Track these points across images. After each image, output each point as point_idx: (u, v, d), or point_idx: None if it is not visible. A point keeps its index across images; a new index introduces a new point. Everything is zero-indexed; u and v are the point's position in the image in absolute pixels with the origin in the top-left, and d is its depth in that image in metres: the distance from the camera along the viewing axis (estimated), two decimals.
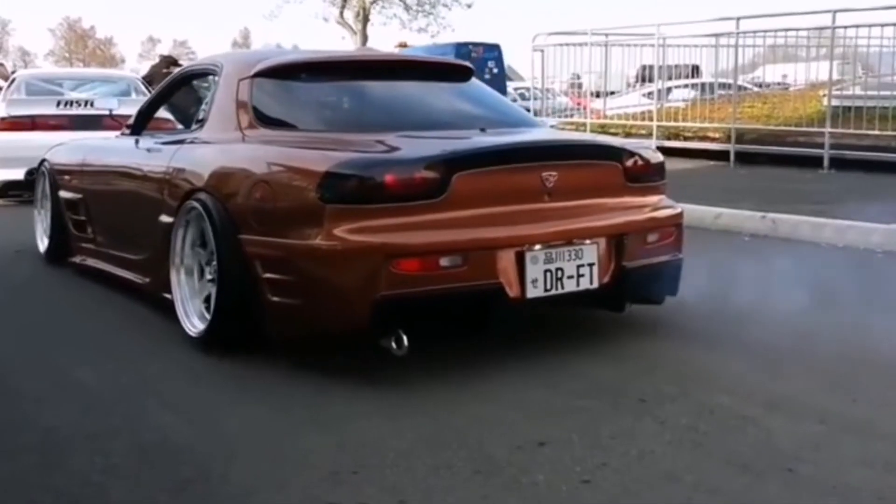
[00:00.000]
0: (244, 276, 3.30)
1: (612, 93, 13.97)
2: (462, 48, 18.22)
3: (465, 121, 3.78)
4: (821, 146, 9.07)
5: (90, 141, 5.25)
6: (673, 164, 10.11)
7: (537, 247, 3.19)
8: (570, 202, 3.34)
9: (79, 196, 4.92)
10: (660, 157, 3.70)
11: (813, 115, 9.89)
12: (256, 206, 3.27)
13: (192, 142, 3.88)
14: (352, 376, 3.13)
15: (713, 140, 10.52)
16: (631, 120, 11.95)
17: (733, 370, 3.22)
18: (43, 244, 5.37)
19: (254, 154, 3.44)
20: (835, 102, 9.98)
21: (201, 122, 3.94)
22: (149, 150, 4.28)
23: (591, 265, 3.31)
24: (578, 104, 13.36)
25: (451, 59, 4.60)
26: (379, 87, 4.00)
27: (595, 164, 3.47)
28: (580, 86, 14.39)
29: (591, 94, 12.98)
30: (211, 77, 4.18)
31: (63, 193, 5.10)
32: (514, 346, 3.39)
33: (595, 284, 3.33)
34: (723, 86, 11.66)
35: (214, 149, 3.69)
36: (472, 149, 3.16)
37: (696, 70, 12.96)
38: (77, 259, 5.01)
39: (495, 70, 18.00)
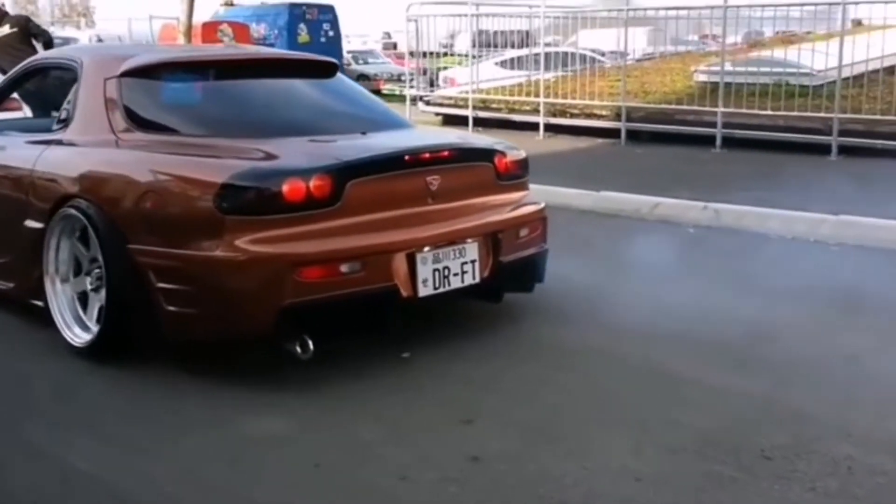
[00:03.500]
0: (135, 286, 3.56)
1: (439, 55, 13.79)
2: (296, 9, 17.84)
3: (344, 123, 4.02)
4: (710, 125, 9.72)
5: None
6: (562, 143, 10.77)
7: (426, 248, 3.50)
8: (452, 203, 3.74)
9: None
10: (523, 153, 4.06)
11: (685, 92, 10.65)
12: (147, 215, 3.56)
13: (58, 143, 3.76)
14: (247, 376, 3.50)
15: (602, 118, 11.00)
16: (514, 95, 12.11)
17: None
18: None
19: (137, 160, 3.61)
20: (702, 78, 10.74)
21: (65, 122, 4.00)
22: (3, 147, 4.35)
23: (473, 262, 3.68)
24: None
25: (317, 56, 4.65)
26: (251, 87, 4.20)
27: (471, 165, 3.83)
28: (395, 45, 14.36)
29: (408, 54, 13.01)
30: (65, 72, 4.01)
31: None
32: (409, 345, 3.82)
33: (477, 279, 3.78)
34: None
35: (88, 153, 3.84)
36: (364, 157, 3.48)
37: (527, 37, 12.95)
38: None
39: (331, 33, 17.75)
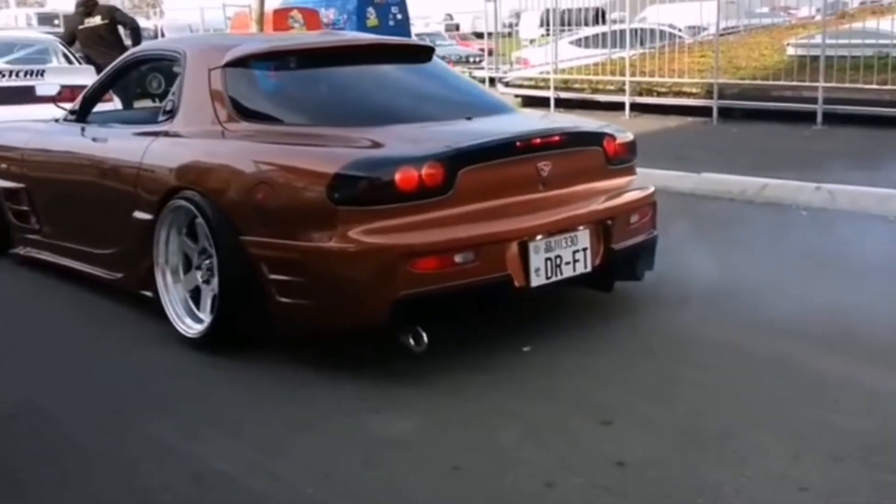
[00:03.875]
0: (247, 278, 3.53)
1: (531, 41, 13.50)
2: None
3: (447, 109, 3.93)
4: (809, 101, 9.32)
5: (29, 125, 4.97)
6: (651, 123, 10.49)
7: (538, 237, 3.38)
8: (562, 190, 3.64)
9: (20, 185, 4.84)
10: (631, 136, 3.94)
11: (778, 67, 10.26)
12: (258, 206, 3.51)
13: (164, 134, 3.75)
14: (363, 369, 3.43)
15: (691, 95, 10.63)
16: (597, 75, 11.76)
17: None
18: None
19: (245, 151, 3.56)
20: (791, 52, 10.40)
21: (170, 114, 3.97)
22: (107, 140, 4.42)
23: (584, 250, 3.63)
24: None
25: (414, 40, 4.56)
26: (352, 74, 4.14)
27: (581, 150, 3.71)
28: (457, 27, 14.12)
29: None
30: (169, 63, 4.00)
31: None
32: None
33: (589, 268, 3.71)
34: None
35: (196, 144, 3.83)
36: (476, 144, 3.40)
37: (601, 14, 12.61)
38: (20, 250, 4.85)
39: (399, 16, 17.68)
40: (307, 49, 4.24)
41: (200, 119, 3.93)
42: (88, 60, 8.85)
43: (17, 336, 4.03)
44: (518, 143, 3.55)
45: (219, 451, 2.79)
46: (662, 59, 11.02)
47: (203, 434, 2.92)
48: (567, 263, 3.61)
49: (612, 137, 3.94)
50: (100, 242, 4.38)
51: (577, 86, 11.96)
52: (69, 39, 9.47)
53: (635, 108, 10.96)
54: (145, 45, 5.19)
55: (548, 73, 12.06)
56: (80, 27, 9.44)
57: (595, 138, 3.92)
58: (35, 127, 5.10)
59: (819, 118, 9.15)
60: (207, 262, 3.69)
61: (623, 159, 4.00)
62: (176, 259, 3.84)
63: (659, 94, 10.87)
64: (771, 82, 9.93)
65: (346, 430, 2.91)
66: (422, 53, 4.58)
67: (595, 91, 11.62)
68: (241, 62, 3.99)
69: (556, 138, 3.68)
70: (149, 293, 4.00)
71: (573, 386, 3.22)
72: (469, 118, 3.92)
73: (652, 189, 4.10)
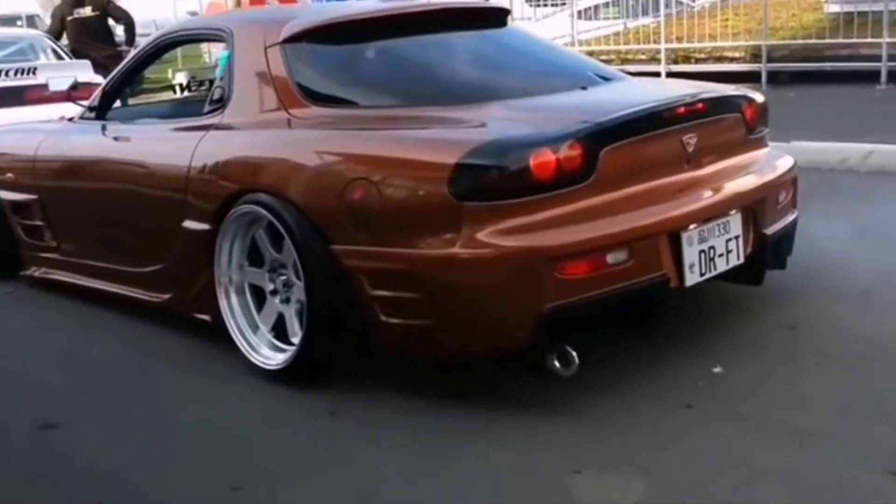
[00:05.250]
0: (341, 296, 2.90)
1: None
2: None
3: (553, 79, 3.27)
4: (871, 59, 8.69)
5: (38, 126, 4.30)
6: None
7: (692, 226, 2.84)
8: (709, 168, 3.05)
9: (31, 197, 4.35)
10: (763, 98, 3.30)
11: (817, 26, 9.71)
12: (355, 209, 2.88)
13: (215, 128, 3.10)
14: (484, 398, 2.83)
15: (734, 60, 9.93)
16: (629, 44, 11.00)
17: None
18: None
19: (329, 142, 2.80)
20: (835, 9, 9.71)
21: (220, 103, 3.27)
22: (140, 139, 3.80)
23: (737, 238, 3.15)
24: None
25: (487, 3, 3.90)
26: (426, 44, 3.55)
27: (723, 118, 3.14)
28: None
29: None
30: (209, 44, 3.34)
31: (4, 195, 4.48)
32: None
33: (742, 259, 3.16)
34: None
35: (260, 137, 3.07)
36: (618, 117, 2.73)
37: None
38: (33, 272, 4.17)
39: None
40: (375, 18, 3.57)
41: (260, 106, 3.28)
42: (77, 56, 8.14)
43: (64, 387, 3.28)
44: (665, 114, 2.94)
45: None
46: (691, 23, 10.33)
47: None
48: (721, 255, 3.02)
49: (750, 101, 3.35)
50: (137, 259, 3.73)
51: (603, 57, 11.27)
52: (56, 32, 8.74)
53: (670, 77, 10.27)
54: (179, 25, 4.47)
55: (568, 44, 11.20)
56: (69, 18, 8.69)
57: (735, 103, 3.31)
58: (46, 128, 4.42)
59: (883, 77, 8.56)
60: (283, 278, 3.07)
61: (761, 127, 3.42)
62: (240, 277, 3.22)
63: (697, 61, 10.14)
64: (828, 41, 9.29)
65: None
66: (498, 17, 3.94)
67: (625, 61, 10.77)
68: (303, 36, 3.35)
69: (701, 105, 3.06)
70: (206, 317, 3.37)
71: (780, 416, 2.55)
72: (584, 87, 3.32)
73: (793, 161, 3.50)
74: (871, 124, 6.47)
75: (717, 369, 2.90)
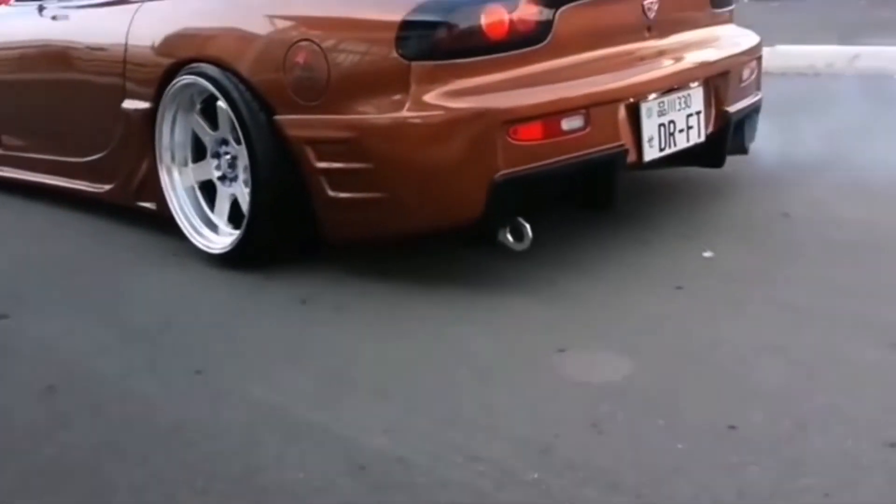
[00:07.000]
0: (287, 170, 2.76)
1: None
2: None
3: None
4: None
5: None
6: None
7: (651, 96, 2.61)
8: (671, 38, 2.90)
9: None
10: None
11: None
12: (298, 74, 2.72)
13: None
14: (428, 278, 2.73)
15: None
16: None
17: None
18: None
19: (271, 4, 2.64)
20: None
21: None
22: (76, 17, 3.56)
23: (698, 114, 3.02)
24: None
25: None
26: None
27: None
28: None
29: None
30: None
31: None
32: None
33: (702, 137, 3.07)
34: None
35: (197, 3, 2.76)
36: None
37: None
38: None
39: None
40: None
41: None
42: None
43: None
44: None
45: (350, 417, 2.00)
46: None
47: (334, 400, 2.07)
48: (681, 131, 2.92)
49: None
50: (80, 149, 3.57)
51: None
52: None
53: None
54: None
55: None
56: None
57: None
58: None
59: None
60: (228, 156, 2.92)
61: (726, 1, 3.28)
62: (184, 153, 3.07)
63: None
64: None
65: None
66: None
67: None
68: None
69: None
70: (150, 205, 3.22)
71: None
72: None
73: (758, 38, 3.38)
74: (856, 32, 6.24)
75: (707, 254, 2.77)
